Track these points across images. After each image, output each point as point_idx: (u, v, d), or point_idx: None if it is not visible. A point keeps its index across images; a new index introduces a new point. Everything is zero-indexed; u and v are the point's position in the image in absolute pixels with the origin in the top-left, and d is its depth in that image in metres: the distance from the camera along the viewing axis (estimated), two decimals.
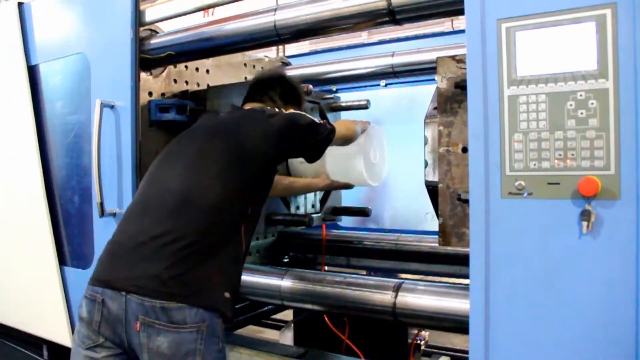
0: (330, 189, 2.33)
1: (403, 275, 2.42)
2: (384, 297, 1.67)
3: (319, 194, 2.40)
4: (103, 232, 2.07)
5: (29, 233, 2.41)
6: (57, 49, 2.29)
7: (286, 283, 1.88)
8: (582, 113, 1.16)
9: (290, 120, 1.62)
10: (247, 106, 1.79)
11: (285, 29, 1.81)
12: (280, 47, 4.95)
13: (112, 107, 2.04)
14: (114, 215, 2.02)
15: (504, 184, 1.24)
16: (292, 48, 4.48)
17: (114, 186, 2.01)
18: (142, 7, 2.03)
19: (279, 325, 3.21)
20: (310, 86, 2.04)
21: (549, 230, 1.19)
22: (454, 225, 1.51)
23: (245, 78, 2.68)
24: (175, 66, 2.29)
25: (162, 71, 2.23)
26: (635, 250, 1.10)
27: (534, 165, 1.21)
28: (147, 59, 2.10)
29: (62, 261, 2.30)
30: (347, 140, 1.92)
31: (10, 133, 2.50)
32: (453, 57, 1.55)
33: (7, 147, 2.51)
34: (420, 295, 1.63)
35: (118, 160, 2.02)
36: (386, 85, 2.75)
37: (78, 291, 2.13)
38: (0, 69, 2.52)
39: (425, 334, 2.14)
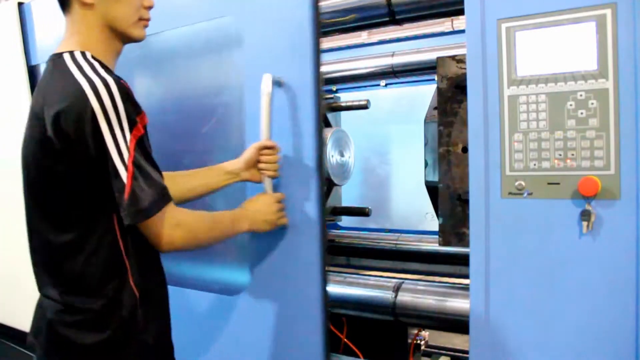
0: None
1: (403, 275, 2.42)
2: (384, 297, 1.67)
3: None
4: None
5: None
6: None
7: None
8: (582, 113, 1.16)
9: None
10: None
11: None
12: None
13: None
14: None
15: (504, 184, 1.24)
16: None
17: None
18: None
19: None
20: None
21: (549, 230, 1.19)
22: (454, 225, 1.51)
23: None
24: None
25: None
26: (635, 250, 1.10)
27: (534, 165, 1.21)
28: None
29: None
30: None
31: (10, 133, 2.49)
32: (453, 57, 1.55)
33: (7, 147, 2.51)
34: (420, 295, 1.63)
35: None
36: (386, 85, 2.74)
37: None
38: (0, 69, 2.51)
39: (425, 334, 2.15)
